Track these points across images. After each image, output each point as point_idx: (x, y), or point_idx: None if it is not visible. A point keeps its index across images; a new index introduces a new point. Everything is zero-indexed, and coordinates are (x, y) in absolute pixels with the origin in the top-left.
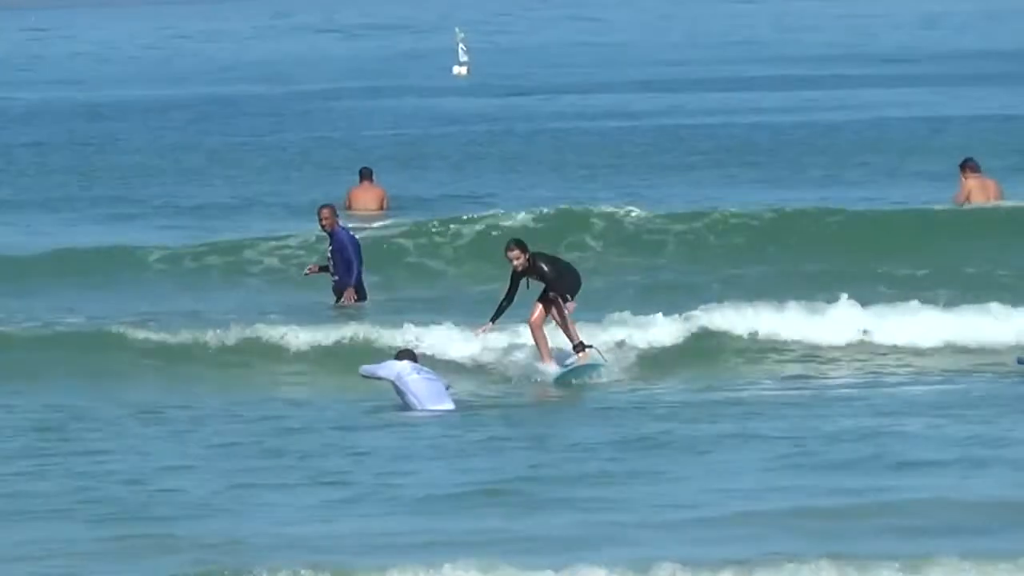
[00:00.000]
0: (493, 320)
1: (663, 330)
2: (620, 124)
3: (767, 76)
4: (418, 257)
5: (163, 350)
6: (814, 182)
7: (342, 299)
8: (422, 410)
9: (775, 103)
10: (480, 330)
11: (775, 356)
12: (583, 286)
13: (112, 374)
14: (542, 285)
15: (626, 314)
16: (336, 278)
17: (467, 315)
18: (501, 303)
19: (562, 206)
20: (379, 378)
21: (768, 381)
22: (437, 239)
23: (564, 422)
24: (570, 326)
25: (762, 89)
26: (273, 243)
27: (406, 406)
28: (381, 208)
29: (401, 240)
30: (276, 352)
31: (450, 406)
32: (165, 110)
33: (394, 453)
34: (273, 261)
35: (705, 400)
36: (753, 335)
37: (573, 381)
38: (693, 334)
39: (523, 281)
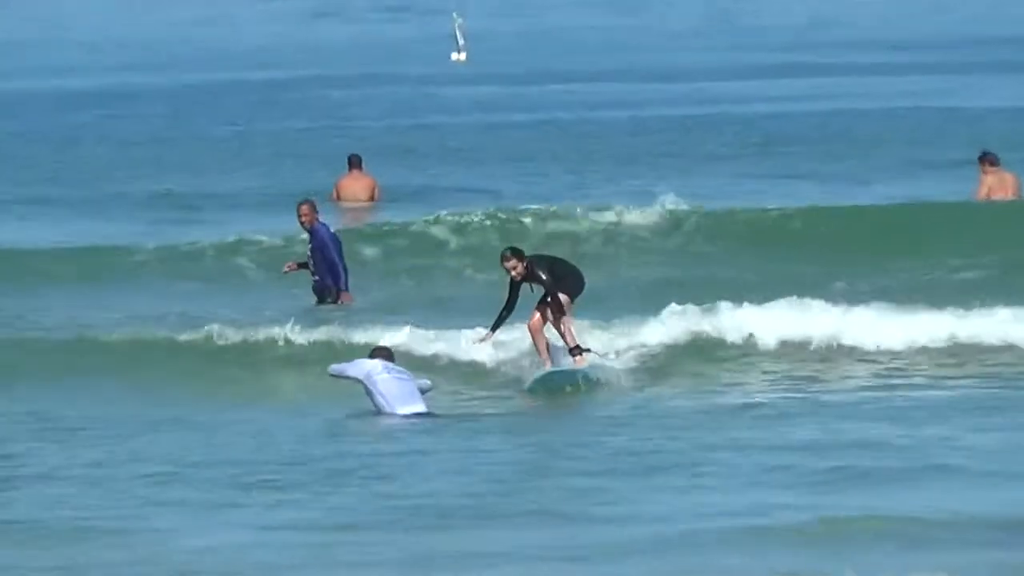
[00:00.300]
0: (492, 330)
1: (670, 330)
2: (629, 114)
3: (782, 63)
4: (414, 252)
5: (145, 351)
6: (829, 174)
7: (339, 302)
8: (390, 412)
9: (790, 91)
10: (479, 340)
11: (789, 359)
12: (588, 286)
13: (90, 378)
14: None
15: (632, 314)
16: (316, 278)
17: (465, 315)
18: (501, 313)
19: (567, 201)
20: (348, 378)
21: (782, 385)
22: (434, 233)
23: (563, 430)
24: (566, 329)
25: (777, 76)
26: (263, 239)
27: (376, 408)
28: (372, 199)
29: (396, 232)
30: (263, 353)
31: (421, 408)
32: (152, 98)
33: (383, 463)
34: (262, 258)
35: (712, 405)
36: (766, 337)
37: (569, 387)
38: (702, 335)
39: (525, 286)
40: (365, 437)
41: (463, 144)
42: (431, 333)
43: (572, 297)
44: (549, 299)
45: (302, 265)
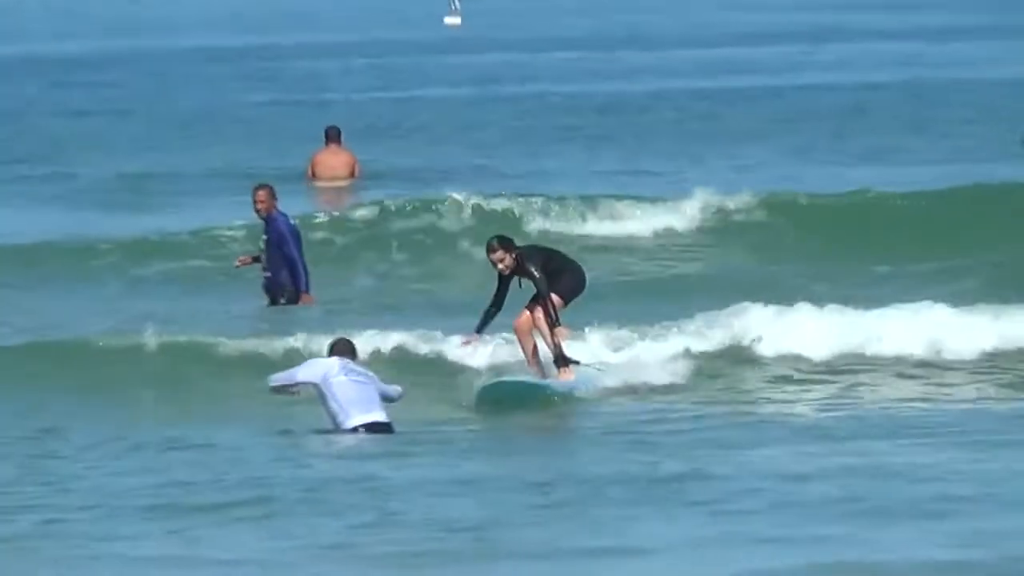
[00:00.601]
0: (479, 330)
1: (678, 339)
2: (644, 85)
3: (813, 25)
4: (398, 240)
5: (93, 356)
6: (868, 152)
7: (299, 303)
8: (344, 421)
9: (827, 57)
10: (465, 341)
11: (813, 371)
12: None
13: (37, 383)
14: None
15: (637, 319)
16: (268, 274)
17: (455, 314)
18: (488, 310)
19: (575, 185)
20: (297, 385)
21: (804, 402)
22: (425, 219)
23: (550, 449)
24: (553, 335)
25: (814, 41)
26: (233, 224)
27: (329, 415)
28: (352, 175)
29: (377, 220)
30: (221, 361)
31: (381, 417)
32: (114, 65)
33: (351, 489)
34: (229, 251)
35: (728, 420)
36: (787, 344)
37: (559, 395)
38: (714, 343)
39: (515, 281)
40: (330, 461)
41: (458, 119)
42: (415, 334)
43: (568, 298)
44: (546, 297)
45: (256, 259)
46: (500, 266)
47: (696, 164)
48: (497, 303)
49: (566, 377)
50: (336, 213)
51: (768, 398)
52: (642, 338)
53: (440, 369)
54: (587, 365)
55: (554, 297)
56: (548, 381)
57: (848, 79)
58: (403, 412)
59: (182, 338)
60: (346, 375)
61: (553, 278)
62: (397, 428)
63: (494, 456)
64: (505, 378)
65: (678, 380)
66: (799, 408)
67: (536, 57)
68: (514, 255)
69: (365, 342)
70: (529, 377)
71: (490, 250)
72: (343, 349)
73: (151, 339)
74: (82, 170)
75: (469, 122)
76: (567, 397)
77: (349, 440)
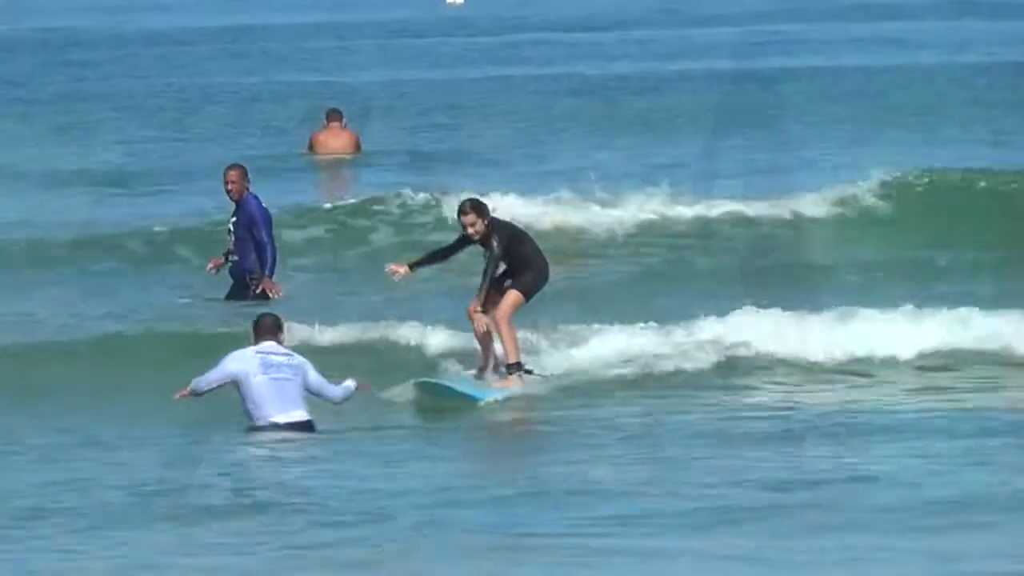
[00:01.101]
0: (412, 266)
1: (681, 338)
2: (661, 66)
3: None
4: (386, 235)
5: (40, 353)
6: (906, 140)
7: (258, 289)
8: (258, 422)
9: (860, 34)
10: (392, 267)
11: (821, 377)
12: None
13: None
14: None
15: (639, 317)
16: (235, 258)
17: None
18: (433, 252)
19: (586, 175)
20: (221, 386)
21: (813, 404)
22: (416, 215)
23: (549, 451)
24: (506, 334)
25: (843, 20)
26: (214, 223)
27: (244, 412)
28: (357, 151)
29: (365, 212)
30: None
31: (300, 416)
32: (92, 47)
33: (310, 497)
34: (206, 245)
35: (709, 427)
36: (787, 348)
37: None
38: (712, 348)
39: (482, 250)
40: (306, 465)
41: (460, 102)
42: (380, 325)
43: (530, 295)
44: (487, 277)
45: (228, 256)
46: (471, 230)
47: (712, 153)
48: (444, 253)
49: (509, 385)
50: (327, 205)
51: (778, 399)
52: (646, 335)
53: (416, 361)
54: (540, 375)
55: (515, 293)
56: (481, 391)
57: (884, 61)
58: (395, 411)
59: (173, 330)
60: (266, 373)
61: (518, 271)
62: (399, 427)
63: (487, 455)
64: (439, 380)
65: (683, 379)
66: (808, 409)
67: (543, 37)
68: (486, 222)
69: (344, 335)
70: (462, 384)
71: (462, 212)
72: (268, 329)
73: (140, 331)
74: (68, 156)
75: (472, 105)
76: (492, 402)
77: (325, 438)
